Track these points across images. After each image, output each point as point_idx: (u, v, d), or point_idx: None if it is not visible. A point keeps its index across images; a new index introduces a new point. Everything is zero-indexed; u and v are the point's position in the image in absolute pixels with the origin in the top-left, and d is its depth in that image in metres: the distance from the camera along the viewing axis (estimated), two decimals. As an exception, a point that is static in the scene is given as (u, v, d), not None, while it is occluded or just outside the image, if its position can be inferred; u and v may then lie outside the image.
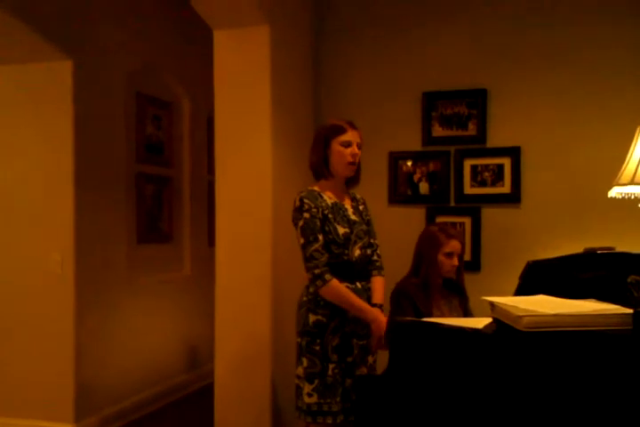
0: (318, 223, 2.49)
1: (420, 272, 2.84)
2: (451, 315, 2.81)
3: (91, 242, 3.86)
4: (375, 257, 2.71)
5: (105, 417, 3.94)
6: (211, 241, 4.93)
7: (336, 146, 2.55)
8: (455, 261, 2.82)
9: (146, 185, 4.48)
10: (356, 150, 2.56)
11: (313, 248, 2.46)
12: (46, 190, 3.80)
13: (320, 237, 2.48)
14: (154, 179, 4.58)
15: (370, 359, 2.61)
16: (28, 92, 3.86)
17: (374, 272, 2.68)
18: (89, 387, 3.82)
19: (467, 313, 2.90)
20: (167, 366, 4.67)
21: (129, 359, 4.22)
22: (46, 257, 3.78)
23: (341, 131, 2.55)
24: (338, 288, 2.47)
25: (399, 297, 2.79)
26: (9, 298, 3.87)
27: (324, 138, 2.58)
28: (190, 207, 4.99)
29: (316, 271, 2.46)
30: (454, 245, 2.81)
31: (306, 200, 2.51)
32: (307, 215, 2.49)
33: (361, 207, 2.72)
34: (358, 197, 2.76)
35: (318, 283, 2.46)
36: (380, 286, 2.65)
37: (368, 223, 2.71)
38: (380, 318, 2.47)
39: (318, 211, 2.50)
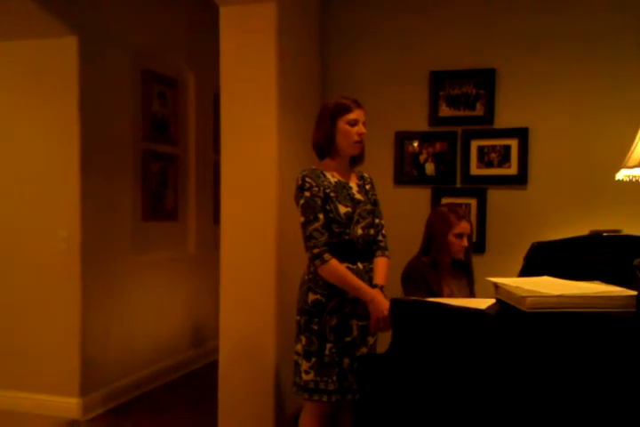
0: (319, 202, 2.48)
1: (430, 252, 2.86)
2: (460, 294, 2.84)
3: (96, 219, 3.87)
4: (380, 237, 2.68)
5: (110, 392, 3.99)
6: (216, 218, 4.93)
7: (342, 125, 2.53)
8: (465, 242, 2.84)
9: (152, 162, 4.48)
10: (363, 129, 2.55)
11: (313, 227, 2.46)
12: (52, 167, 3.80)
13: (320, 216, 2.47)
14: (160, 156, 4.57)
15: (370, 340, 2.61)
16: (33, 68, 3.85)
17: (378, 253, 2.65)
18: (94, 362, 3.87)
19: (472, 295, 2.92)
20: (172, 343, 4.71)
21: (134, 335, 4.26)
22: (53, 233, 3.79)
23: (347, 109, 2.54)
24: (336, 268, 2.46)
25: (413, 274, 2.81)
26: (16, 274, 3.90)
27: (329, 116, 2.55)
28: (195, 185, 4.99)
29: (315, 251, 2.45)
30: (464, 226, 2.83)
31: (307, 179, 2.50)
32: (307, 194, 2.48)
33: (367, 186, 2.70)
34: (366, 175, 2.74)
35: (317, 262, 2.46)
36: (382, 267, 2.62)
37: (374, 203, 2.69)
38: (378, 299, 2.45)
39: (319, 189, 2.49)
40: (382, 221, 2.72)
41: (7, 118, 3.93)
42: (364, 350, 2.57)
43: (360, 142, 2.56)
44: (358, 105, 2.57)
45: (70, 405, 3.76)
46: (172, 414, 3.92)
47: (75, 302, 3.76)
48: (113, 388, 4.03)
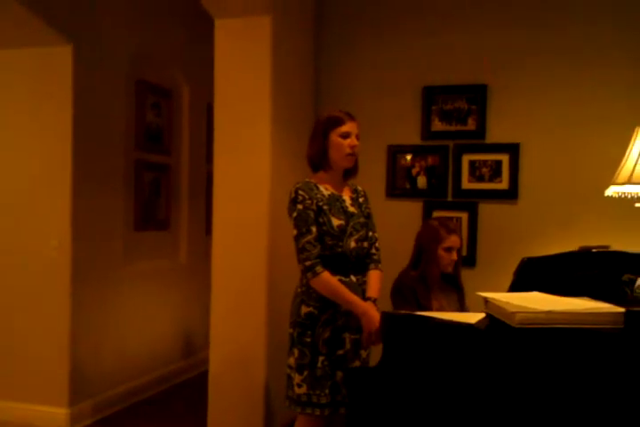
0: (312, 215, 2.48)
1: (420, 266, 2.87)
2: (449, 308, 2.84)
3: (88, 228, 3.86)
4: (373, 250, 2.69)
5: (99, 402, 3.97)
6: (208, 229, 4.94)
7: (335, 137, 2.54)
8: (454, 256, 2.85)
9: (144, 172, 4.48)
10: (355, 141, 2.56)
11: (305, 240, 2.47)
12: (44, 176, 3.80)
13: (313, 228, 2.48)
14: (152, 166, 4.58)
15: (363, 353, 2.60)
16: (26, 77, 3.85)
17: (371, 266, 2.66)
18: (84, 372, 3.85)
19: (463, 308, 2.92)
20: (162, 353, 4.69)
21: (124, 346, 4.24)
22: (43, 242, 3.78)
23: (340, 122, 2.55)
24: (328, 281, 2.47)
25: (402, 289, 2.82)
26: (5, 282, 3.88)
27: (322, 130, 2.57)
28: (188, 195, 4.99)
29: (307, 263, 2.46)
30: (454, 240, 2.85)
31: (300, 192, 2.51)
32: (300, 207, 2.49)
33: (361, 200, 2.71)
34: (359, 188, 2.75)
35: (309, 275, 2.47)
36: (375, 280, 2.63)
37: (367, 216, 2.69)
38: (371, 313, 2.45)
39: (312, 202, 2.49)
40: (376, 234, 2.73)
41: (0, 126, 3.92)
42: (357, 363, 2.56)
43: (352, 155, 2.56)
44: (351, 117, 2.58)
45: (58, 415, 3.73)
46: (160, 425, 3.90)
47: (64, 312, 3.74)
48: (102, 398, 4.00)
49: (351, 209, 2.62)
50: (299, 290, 2.59)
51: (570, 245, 2.90)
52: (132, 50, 4.26)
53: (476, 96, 3.68)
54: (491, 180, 3.67)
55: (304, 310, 2.53)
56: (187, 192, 4.98)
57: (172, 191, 4.84)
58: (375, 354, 2.46)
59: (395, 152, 3.84)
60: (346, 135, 2.54)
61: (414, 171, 3.81)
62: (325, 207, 2.52)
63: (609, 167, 3.03)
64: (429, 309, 2.74)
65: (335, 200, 2.58)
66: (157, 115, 4.64)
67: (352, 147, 2.55)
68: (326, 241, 2.50)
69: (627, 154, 2.82)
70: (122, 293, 4.21)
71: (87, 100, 3.84)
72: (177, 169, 4.91)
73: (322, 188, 2.57)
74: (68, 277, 3.74)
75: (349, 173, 2.66)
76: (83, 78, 3.80)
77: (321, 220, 2.50)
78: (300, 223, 2.48)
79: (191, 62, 4.92)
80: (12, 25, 3.63)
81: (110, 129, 4.09)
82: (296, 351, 2.54)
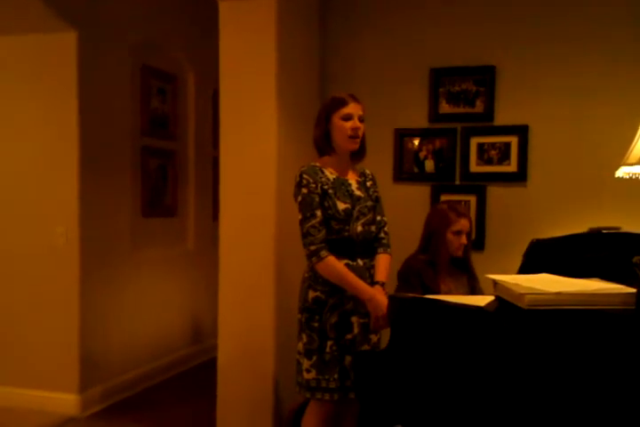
0: (316, 199, 2.46)
1: (429, 249, 2.86)
2: (457, 292, 2.82)
3: (95, 215, 3.86)
4: (382, 234, 2.67)
5: (109, 389, 3.99)
6: (215, 215, 4.93)
7: (337, 120, 2.51)
8: (463, 240, 2.83)
9: (150, 159, 4.47)
10: (357, 123, 2.51)
11: (309, 224, 2.45)
12: (51, 162, 3.80)
13: (318, 212, 2.46)
14: (158, 152, 4.57)
15: (373, 338, 2.59)
16: (32, 64, 3.84)
17: (380, 250, 2.64)
18: (93, 358, 3.87)
19: (475, 292, 2.90)
20: (171, 340, 4.71)
21: (133, 332, 4.26)
22: (51, 229, 3.79)
23: (342, 104, 2.51)
24: (333, 265, 2.45)
25: (408, 273, 2.81)
26: (14, 270, 3.90)
27: (325, 113, 2.54)
28: (195, 181, 4.98)
29: (312, 248, 2.45)
30: (464, 223, 2.82)
31: (305, 175, 2.49)
32: (305, 191, 2.47)
33: (368, 183, 2.68)
34: (367, 172, 2.72)
35: (314, 259, 2.45)
36: (383, 264, 2.61)
37: (376, 200, 2.67)
38: (377, 297, 2.43)
39: (317, 186, 2.47)
40: (384, 218, 2.70)
41: (6, 113, 3.91)
42: (367, 347, 2.55)
43: (355, 137, 2.52)
44: (354, 99, 2.54)
45: (69, 401, 3.76)
46: (170, 411, 3.92)
47: (73, 298, 3.76)
48: (111, 384, 4.03)
49: (357, 193, 2.59)
50: (306, 275, 2.58)
51: (580, 227, 2.86)
52: (136, 35, 4.23)
53: (484, 78, 3.63)
54: (499, 162, 3.62)
55: (311, 294, 2.52)
56: (193, 178, 4.97)
57: (178, 177, 4.83)
58: (386, 338, 2.45)
59: (402, 136, 3.80)
60: (347, 117, 2.50)
61: (422, 154, 3.78)
62: (330, 191, 2.50)
63: (619, 148, 2.99)
64: (437, 292, 2.73)
65: (341, 184, 2.55)
66: (162, 101, 4.62)
67: (354, 129, 2.50)
68: (332, 225, 2.48)
69: (637, 134, 2.77)
70: (130, 279, 4.22)
71: (92, 86, 3.83)
72: (183, 155, 4.90)
73: (327, 171, 2.55)
74: (76, 264, 3.75)
75: (356, 155, 2.63)
76: (88, 64, 3.79)
77: (326, 204, 2.48)
78: (305, 207, 2.47)
79: (197, 47, 4.89)
80: (16, 11, 3.61)
81: (116, 115, 4.07)
82: (304, 336, 2.53)
